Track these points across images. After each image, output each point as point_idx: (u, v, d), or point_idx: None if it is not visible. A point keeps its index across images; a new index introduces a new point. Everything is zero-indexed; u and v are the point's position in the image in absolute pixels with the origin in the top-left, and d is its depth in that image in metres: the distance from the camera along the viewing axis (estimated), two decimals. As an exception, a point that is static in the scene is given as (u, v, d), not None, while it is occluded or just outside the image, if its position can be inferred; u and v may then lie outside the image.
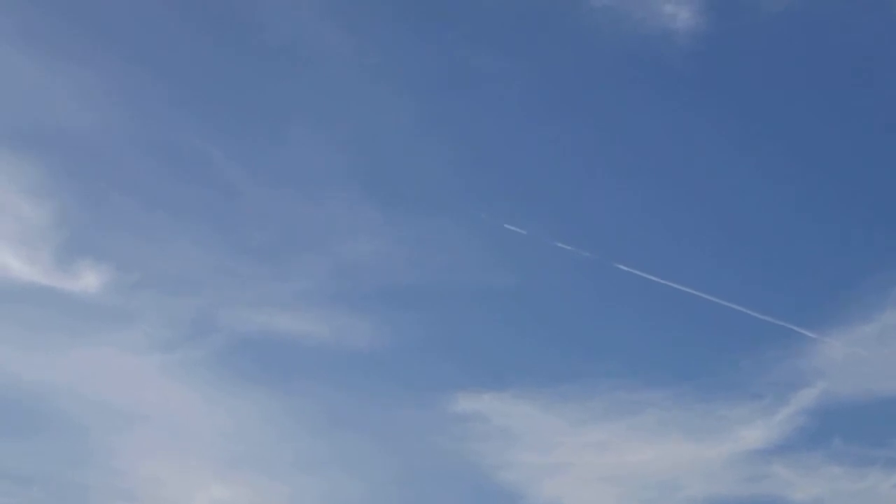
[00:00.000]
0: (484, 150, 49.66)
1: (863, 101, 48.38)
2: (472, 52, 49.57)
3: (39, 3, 47.70)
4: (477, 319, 46.89)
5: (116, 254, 45.32)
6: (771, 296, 45.81)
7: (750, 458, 42.61)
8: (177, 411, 43.83)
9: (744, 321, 44.47)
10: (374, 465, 43.33)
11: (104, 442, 42.66)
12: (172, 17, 48.87)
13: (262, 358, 45.16)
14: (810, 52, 48.87)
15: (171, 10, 48.96)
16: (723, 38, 48.65)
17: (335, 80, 49.39)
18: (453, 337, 46.37)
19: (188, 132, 48.32)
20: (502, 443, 43.49)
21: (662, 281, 45.25)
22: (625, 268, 45.63)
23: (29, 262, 43.99)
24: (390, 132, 49.24)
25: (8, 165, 45.15)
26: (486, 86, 49.66)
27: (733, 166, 48.71)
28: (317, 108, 49.28)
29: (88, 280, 44.26)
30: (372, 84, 49.44)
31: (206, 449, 43.24)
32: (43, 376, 42.97)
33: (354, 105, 49.37)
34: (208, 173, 47.86)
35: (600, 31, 48.54)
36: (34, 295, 43.91)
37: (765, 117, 48.97)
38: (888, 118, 47.76)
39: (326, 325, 45.40)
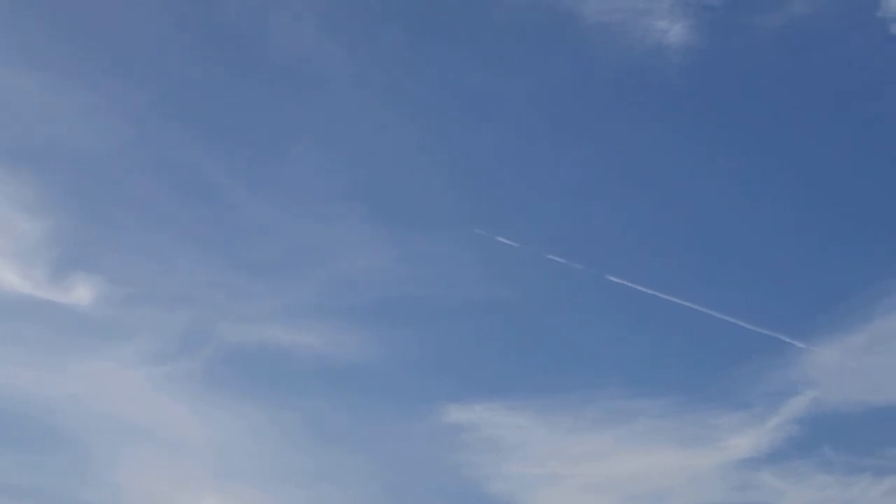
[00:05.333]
0: (478, 166, 50.16)
1: (854, 116, 48.70)
2: (469, 70, 50.13)
3: (38, 22, 48.33)
4: (469, 332, 47.21)
5: (110, 268, 45.87)
6: (761, 306, 46.09)
7: (740, 467, 42.91)
8: (170, 424, 44.22)
9: (734, 332, 44.78)
10: (366, 476, 43.60)
11: (97, 454, 43.06)
12: (173, 35, 49.48)
13: (255, 371, 45.61)
14: (803, 69, 49.22)
15: (172, 27, 49.52)
16: (716, 54, 49.06)
17: (336, 99, 49.93)
18: (445, 349, 46.73)
19: (186, 149, 48.87)
20: (494, 454, 43.83)
21: (653, 292, 45.54)
22: (616, 280, 45.94)
23: (23, 276, 44.49)
24: (388, 149, 49.74)
25: (3, 182, 45.71)
26: (481, 102, 50.15)
27: (724, 179, 49.11)
28: (316, 125, 49.77)
29: (81, 294, 44.76)
30: (371, 102, 49.99)
31: (199, 461, 43.56)
32: (37, 389, 43.47)
33: (354, 123, 49.89)
34: (206, 190, 48.45)
35: (595, 48, 49.01)
36: (29, 309, 44.43)
37: (756, 132, 49.32)
38: (878, 133, 48.11)
39: (319, 338, 45.83)
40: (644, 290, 45.52)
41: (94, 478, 42.31)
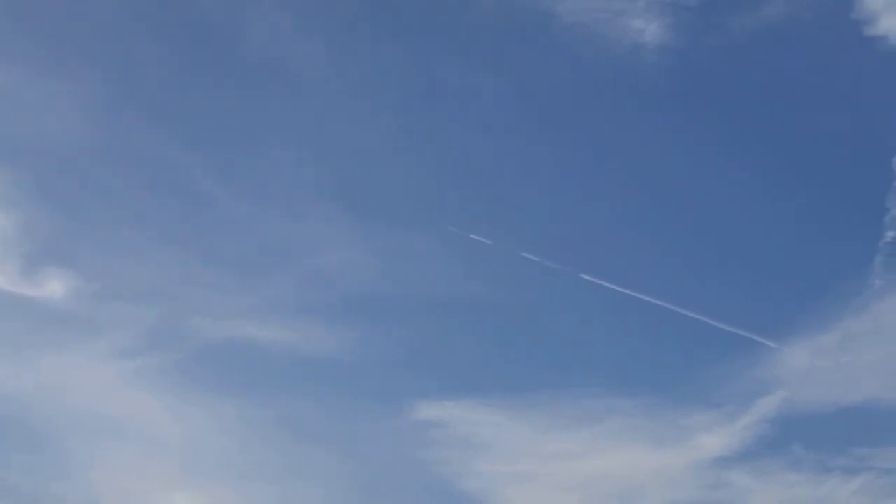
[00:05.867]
0: (453, 163, 50.25)
1: (828, 116, 49.00)
2: (446, 68, 50.28)
3: (7, 16, 48.29)
4: (443, 329, 47.28)
5: (83, 263, 45.84)
6: (733, 306, 46.27)
7: (711, 466, 43.05)
8: (142, 420, 44.11)
9: (706, 331, 44.97)
10: (339, 473, 43.51)
11: (69, 449, 42.92)
12: (148, 31, 49.55)
13: (227, 367, 45.55)
14: (778, 69, 49.50)
15: (147, 23, 49.52)
16: (692, 54, 49.28)
17: (312, 95, 49.97)
18: (418, 346, 46.71)
19: (160, 145, 48.81)
20: (466, 451, 43.83)
21: (626, 291, 45.69)
22: (590, 278, 46.05)
23: (-5, 270, 44.41)
24: (364, 146, 49.74)
25: (-24, 176, 45.60)
26: (459, 100, 50.29)
27: (698, 179, 49.31)
28: (293, 122, 49.84)
29: (54, 288, 44.63)
30: (348, 99, 50.06)
31: (171, 457, 43.48)
32: (8, 384, 43.44)
33: (329, 120, 49.94)
34: (181, 185, 48.46)
35: (571, 47, 49.21)
36: (0, 303, 44.40)
37: (730, 131, 49.57)
38: (851, 133, 48.39)
39: (292, 334, 45.77)
40: (617, 288, 45.76)
41: (67, 473, 42.27)
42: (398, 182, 49.34)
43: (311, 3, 49.94)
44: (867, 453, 42.31)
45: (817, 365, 43.94)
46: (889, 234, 44.89)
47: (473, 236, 46.77)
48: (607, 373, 45.26)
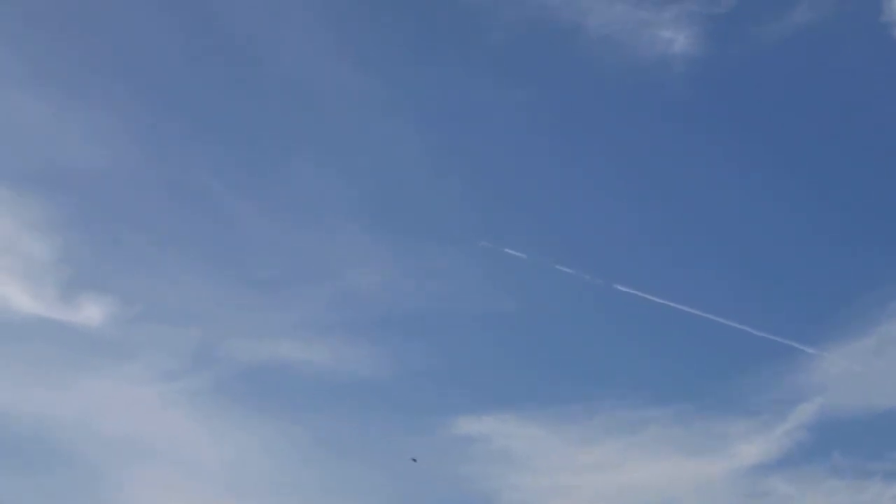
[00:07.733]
0: (485, 178, 50.68)
1: (857, 123, 49.03)
2: (476, 85, 50.79)
3: (45, 44, 49.27)
4: (479, 344, 47.48)
5: (120, 287, 46.32)
6: (769, 313, 46.33)
7: (749, 474, 42.84)
8: (180, 442, 44.40)
9: (743, 338, 44.76)
10: (378, 490, 43.53)
11: (107, 474, 43.12)
12: (179, 56, 50.49)
13: (264, 387, 45.91)
14: (807, 76, 49.53)
15: (178, 48, 50.47)
16: (720, 63, 49.47)
17: (342, 114, 50.54)
18: (455, 362, 46.93)
19: (194, 167, 49.63)
20: (504, 465, 43.88)
21: (661, 301, 45.55)
22: (624, 289, 45.97)
23: (34, 296, 44.94)
24: (395, 163, 50.24)
25: (14, 203, 46.46)
26: (488, 115, 50.79)
27: (731, 187, 49.41)
28: (323, 141, 50.43)
29: (91, 313, 45.09)
30: (378, 117, 50.62)
31: (209, 478, 43.63)
32: (47, 409, 43.57)
33: (360, 138, 50.45)
34: (214, 207, 49.13)
35: (600, 59, 49.55)
36: (39, 329, 44.88)
37: (762, 139, 49.69)
38: (883, 138, 48.22)
39: (328, 353, 46.06)
40: (652, 298, 45.64)
41: (105, 498, 42.51)
42: (430, 198, 49.73)
43: (339, 23, 50.63)
44: (908, 457, 42.06)
45: (855, 370, 43.77)
46: (923, 238, 44.67)
47: (507, 250, 46.96)
48: (643, 383, 45.30)
